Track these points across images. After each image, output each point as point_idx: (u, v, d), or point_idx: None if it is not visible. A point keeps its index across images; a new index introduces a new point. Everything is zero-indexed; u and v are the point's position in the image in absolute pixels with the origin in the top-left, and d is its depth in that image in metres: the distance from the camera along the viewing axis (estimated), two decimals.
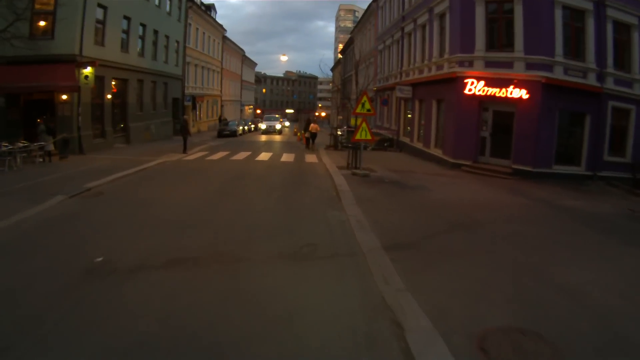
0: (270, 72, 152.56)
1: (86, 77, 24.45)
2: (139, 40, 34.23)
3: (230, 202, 13.17)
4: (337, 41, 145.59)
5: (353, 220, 10.88)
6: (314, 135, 34.67)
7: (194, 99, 49.04)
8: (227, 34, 66.24)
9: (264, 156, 25.84)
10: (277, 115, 70.42)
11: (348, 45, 72.08)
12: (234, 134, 48.41)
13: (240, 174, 18.58)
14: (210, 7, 59.23)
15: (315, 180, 17.51)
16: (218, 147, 31.63)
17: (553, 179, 20.61)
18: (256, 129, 67.03)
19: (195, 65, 51.25)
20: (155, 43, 37.47)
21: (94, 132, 27.13)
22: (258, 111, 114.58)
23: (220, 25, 62.87)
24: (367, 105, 18.48)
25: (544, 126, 20.98)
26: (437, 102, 26.05)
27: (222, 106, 66.05)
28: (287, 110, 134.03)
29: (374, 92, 43.96)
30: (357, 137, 18.22)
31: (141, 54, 34.59)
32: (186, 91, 47.07)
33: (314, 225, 10.64)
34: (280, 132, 59.95)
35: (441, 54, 25.54)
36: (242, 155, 25.82)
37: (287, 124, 65.76)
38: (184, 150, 26.50)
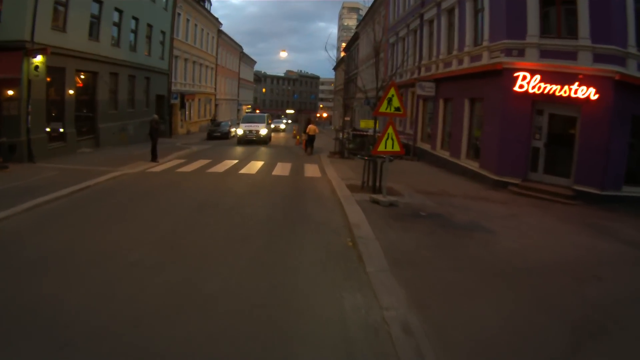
0: (270, 72, 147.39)
1: (36, 67, 20.01)
2: (114, 28, 29.59)
3: (167, 273, 7.24)
4: (339, 40, 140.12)
5: (396, 328, 5.46)
6: (311, 139, 30.38)
7: (182, 96, 44.03)
8: (230, 34, 61.89)
9: (252, 167, 20.85)
10: (262, 114, 47.21)
11: (352, 41, 67.15)
12: (225, 136, 43.18)
13: (210, 200, 13.23)
14: None
15: (319, 212, 12.14)
16: (200, 154, 26.73)
17: (623, 205, 15.58)
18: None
19: (185, 60, 46.29)
20: (134, 32, 32.84)
21: (49, 134, 22.41)
22: (257, 111, 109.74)
23: (216, 19, 57.98)
24: (396, 102, 13.15)
25: (616, 136, 15.94)
26: (471, 101, 21.10)
27: (216, 105, 61.20)
28: (288, 111, 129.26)
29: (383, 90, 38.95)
30: (381, 148, 12.96)
31: (116, 43, 29.96)
32: (173, 88, 42.03)
33: (317, 349, 5.14)
34: (265, 140, 37.76)
35: (477, 41, 20.63)
36: (224, 166, 20.78)
37: (282, 126, 58.83)
38: (153, 158, 21.51)
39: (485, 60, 19.26)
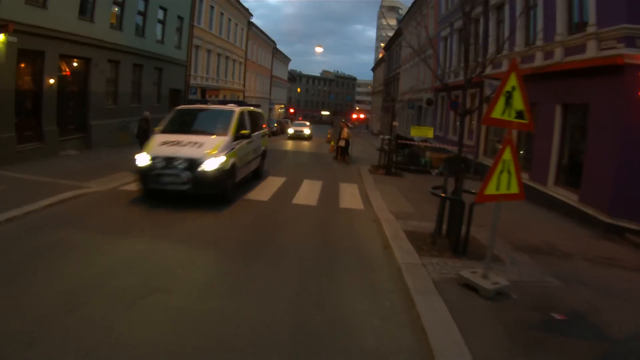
0: (306, 72, 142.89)
1: None
2: (114, 7, 24.89)
3: None
4: (378, 40, 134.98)
5: None
6: (347, 145, 26.86)
7: (203, 91, 39.13)
8: (272, 37, 56.56)
9: (267, 186, 15.49)
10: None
11: (394, 39, 61.67)
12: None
13: (164, 279, 6.72)
14: None
15: (362, 318, 5.91)
16: None
17: None
18: (282, 131, 56.97)
19: (208, 51, 41.34)
20: (143, 14, 27.85)
21: (20, 133, 17.71)
22: (291, 110, 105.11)
23: (246, 9, 52.96)
24: (519, 102, 7.18)
25: None
26: (564, 107, 15.59)
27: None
28: (323, 112, 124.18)
29: (433, 91, 33.43)
30: (491, 189, 7.22)
31: (117, 26, 25.23)
32: (192, 81, 37.08)
33: None
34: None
35: (574, 28, 15.16)
36: None
37: (306, 131, 51.38)
38: None
39: (591, 52, 13.60)
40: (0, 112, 16.28)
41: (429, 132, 22.13)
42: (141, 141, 16.55)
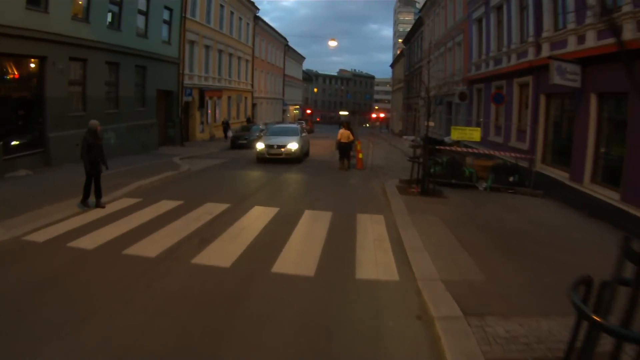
0: (323, 72, 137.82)
1: None
2: None
3: None
4: (395, 36, 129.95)
5: None
6: (345, 148, 22.69)
7: (201, 92, 34.46)
8: (288, 39, 51.74)
9: (241, 230, 9.89)
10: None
11: (413, 31, 56.63)
12: (254, 143, 32.00)
13: None
14: None
15: None
16: (179, 183, 16.39)
17: None
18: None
19: (207, 47, 36.71)
20: (118, 4, 23.28)
21: None
22: (308, 111, 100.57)
23: (251, 2, 48.40)
24: None
25: None
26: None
27: (253, 105, 51.52)
28: (341, 112, 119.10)
29: (466, 84, 28.39)
30: None
31: (82, 18, 20.97)
32: (187, 81, 32.43)
33: None
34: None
35: None
36: (186, 225, 10.08)
37: (293, 146, 35.36)
38: (85, 197, 11.71)
39: None
40: None
41: (476, 134, 17.09)
42: (86, 162, 11.58)
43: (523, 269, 7.70)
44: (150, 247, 8.35)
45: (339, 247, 8.83)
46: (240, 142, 32.57)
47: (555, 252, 8.81)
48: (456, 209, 12.43)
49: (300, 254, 8.34)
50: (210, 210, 11.51)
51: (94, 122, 11.92)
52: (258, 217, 11.03)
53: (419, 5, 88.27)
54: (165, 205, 11.77)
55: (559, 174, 15.60)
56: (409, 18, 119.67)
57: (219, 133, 38.84)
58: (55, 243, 8.52)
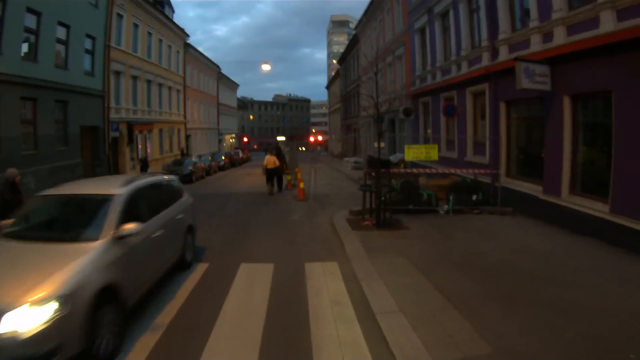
0: (259, 98, 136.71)
1: None
2: None
3: None
4: (329, 58, 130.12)
5: None
6: (271, 173, 22.66)
7: (129, 126, 32.16)
8: (222, 68, 49.61)
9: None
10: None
11: (349, 50, 55.73)
12: (187, 178, 29.67)
13: None
14: (161, 2, 42.55)
15: None
16: None
17: None
18: (233, 163, 49.78)
19: (134, 78, 34.38)
20: (34, 33, 21.13)
21: None
22: (245, 139, 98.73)
23: (180, 29, 46.44)
24: None
25: None
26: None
27: (187, 136, 49.31)
28: (279, 138, 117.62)
29: (410, 98, 27.17)
30: None
31: None
32: (114, 115, 30.15)
33: None
34: None
35: None
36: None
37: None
38: None
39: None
40: None
41: (433, 152, 15.43)
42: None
43: (532, 325, 6.04)
44: None
45: (287, 322, 6.62)
46: None
47: (558, 289, 7.26)
48: (423, 244, 10.65)
49: (234, 342, 6.05)
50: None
51: (11, 172, 9.97)
52: (182, 280, 8.73)
53: (352, 26, 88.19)
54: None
55: (530, 187, 14.25)
56: (343, 39, 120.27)
57: (155, 168, 36.35)
58: None
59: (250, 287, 8.14)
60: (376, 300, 7.08)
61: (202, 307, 7.25)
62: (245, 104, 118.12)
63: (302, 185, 20.42)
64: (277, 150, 24.83)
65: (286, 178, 24.50)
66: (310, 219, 15.26)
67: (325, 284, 8.26)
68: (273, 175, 22.88)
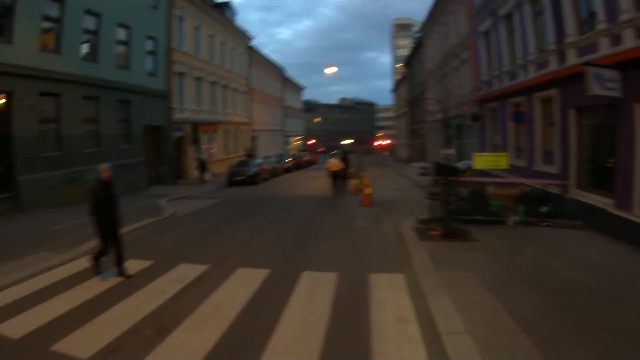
0: (324, 101, 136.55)
1: None
2: (47, 23, 19.11)
3: None
4: (394, 61, 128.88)
5: None
6: (337, 175, 23.14)
7: (194, 127, 32.41)
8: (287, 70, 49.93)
9: (213, 314, 7.03)
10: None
11: (415, 51, 54.81)
12: (252, 180, 30.37)
13: None
14: (222, 5, 42.81)
15: None
16: (161, 233, 13.78)
17: None
18: (299, 166, 49.70)
19: (198, 79, 34.82)
20: (94, 33, 21.48)
21: None
22: (311, 142, 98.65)
23: (242, 32, 46.72)
24: None
25: None
26: None
27: (253, 137, 49.60)
28: (345, 141, 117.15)
29: (477, 104, 26.28)
30: None
31: (52, 49, 19.35)
32: (178, 115, 30.46)
33: None
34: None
35: None
36: (146, 302, 7.52)
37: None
38: (97, 260, 9.03)
39: None
40: None
41: (502, 161, 14.62)
42: (99, 223, 8.81)
43: (606, 357, 5.42)
44: (88, 339, 6.01)
45: (348, 338, 6.14)
46: (237, 178, 30.25)
47: (634, 317, 6.49)
48: (491, 258, 9.93)
49: (291, 355, 5.70)
50: (182, 275, 9.04)
51: (105, 167, 9.15)
52: (240, 287, 8.35)
53: (415, 29, 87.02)
54: (129, 268, 9.15)
55: (600, 201, 13.27)
56: (406, 42, 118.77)
57: (219, 168, 36.48)
58: None
59: (312, 298, 7.68)
60: (442, 318, 6.55)
61: (259, 317, 6.89)
62: (310, 107, 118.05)
63: (368, 190, 19.81)
64: (344, 154, 24.86)
65: (352, 183, 24.17)
66: (375, 226, 14.62)
67: (389, 297, 7.68)
68: (337, 178, 22.99)
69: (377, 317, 6.78)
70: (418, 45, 51.78)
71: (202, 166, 30.79)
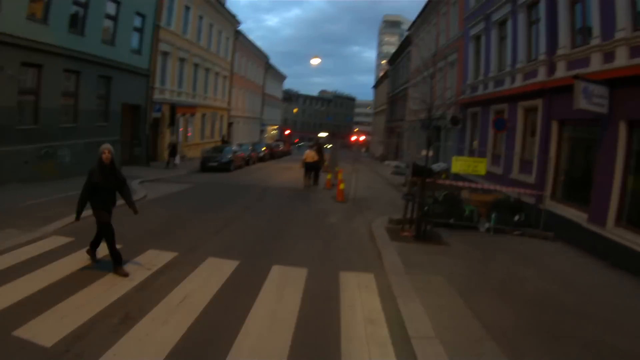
0: (304, 92, 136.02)
1: None
2: None
3: None
4: (379, 57, 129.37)
5: None
6: (308, 167, 23.85)
7: (172, 108, 31.90)
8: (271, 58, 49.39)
9: (179, 305, 6.80)
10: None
11: (401, 49, 54.65)
12: (225, 166, 30.35)
13: None
14: None
15: None
16: (130, 215, 9.26)
17: None
18: (273, 155, 49.50)
19: (181, 60, 34.30)
20: (83, 5, 21.07)
21: None
22: (287, 132, 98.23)
23: (232, 15, 46.21)
24: None
25: None
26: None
27: (230, 123, 49.14)
28: (321, 134, 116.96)
29: (459, 107, 26.29)
30: None
31: (42, 18, 18.78)
32: (158, 96, 30.00)
33: None
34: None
35: None
36: (112, 288, 7.24)
37: None
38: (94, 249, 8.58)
39: None
40: None
41: (481, 166, 14.55)
42: (100, 209, 8.10)
43: None
44: (51, 326, 5.75)
45: (316, 338, 6.01)
46: (211, 164, 30.01)
47: (600, 330, 6.64)
48: (462, 263, 9.93)
49: (259, 352, 5.52)
50: (150, 261, 8.79)
51: (106, 147, 8.18)
52: (209, 277, 8.14)
53: (404, 27, 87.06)
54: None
55: (574, 214, 13.33)
56: (394, 39, 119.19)
57: (193, 153, 36.21)
58: None
59: (280, 294, 7.50)
60: (412, 322, 6.48)
61: (227, 311, 6.70)
62: (290, 97, 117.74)
63: (342, 186, 19.75)
64: (317, 146, 25.44)
65: (325, 176, 24.41)
66: (347, 223, 14.60)
67: (360, 297, 7.60)
68: (311, 169, 23.78)
69: (347, 317, 6.70)
70: (405, 44, 51.64)
71: (173, 150, 29.94)
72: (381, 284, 8.27)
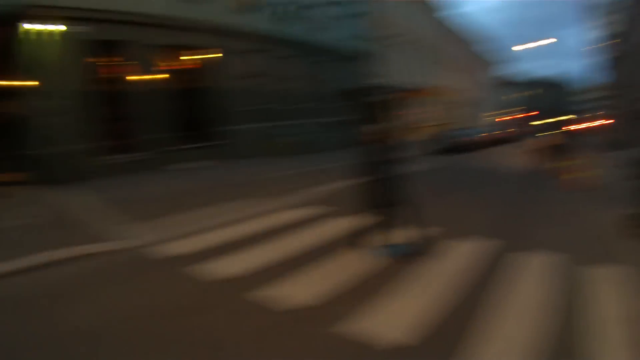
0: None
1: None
2: None
3: None
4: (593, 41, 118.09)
5: None
6: (554, 152, 17.68)
7: (397, 92, 31.25)
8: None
9: None
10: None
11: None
12: (466, 147, 27.46)
13: None
14: None
15: None
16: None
17: None
18: (505, 139, 45.95)
19: (398, 45, 33.81)
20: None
21: (97, 144, 13.96)
22: (519, 115, 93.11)
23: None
24: None
25: None
26: None
27: (451, 108, 47.86)
28: (559, 118, 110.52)
29: None
30: None
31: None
32: (379, 80, 29.71)
33: None
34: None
35: None
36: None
37: None
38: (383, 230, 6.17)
39: None
40: (63, 120, 13.07)
41: None
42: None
43: None
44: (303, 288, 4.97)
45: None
46: (453, 146, 27.41)
47: None
48: None
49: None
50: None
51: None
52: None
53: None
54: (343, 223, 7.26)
55: None
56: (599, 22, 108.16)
57: (418, 136, 35.49)
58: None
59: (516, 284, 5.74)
60: None
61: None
62: (503, 81, 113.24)
63: (591, 173, 15.94)
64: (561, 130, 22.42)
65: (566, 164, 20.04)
66: (593, 217, 11.10)
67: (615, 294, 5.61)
68: (555, 153, 20.17)
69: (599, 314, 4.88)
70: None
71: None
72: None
